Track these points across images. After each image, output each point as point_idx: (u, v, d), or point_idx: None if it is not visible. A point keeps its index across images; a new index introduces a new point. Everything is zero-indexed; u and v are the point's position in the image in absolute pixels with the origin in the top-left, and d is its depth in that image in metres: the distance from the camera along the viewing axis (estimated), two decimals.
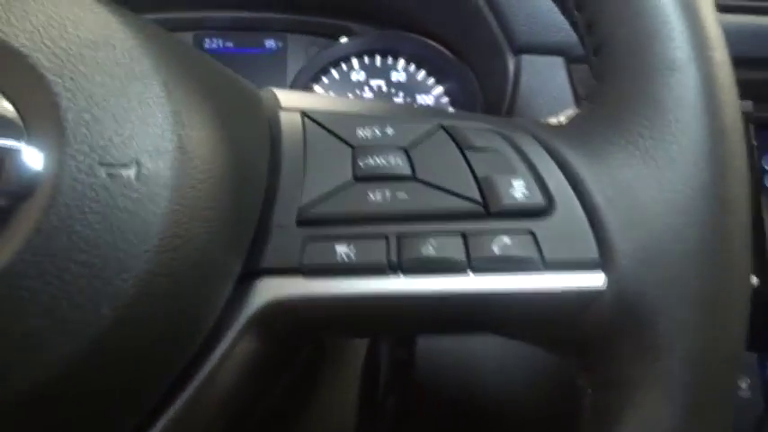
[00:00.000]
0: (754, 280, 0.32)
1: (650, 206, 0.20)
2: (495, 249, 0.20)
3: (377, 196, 0.22)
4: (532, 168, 0.22)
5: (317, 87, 0.59)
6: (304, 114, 0.23)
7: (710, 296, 0.19)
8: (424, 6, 0.56)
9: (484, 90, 0.56)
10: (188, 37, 0.59)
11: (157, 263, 0.18)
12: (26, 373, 0.17)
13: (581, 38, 0.24)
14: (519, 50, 0.49)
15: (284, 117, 0.24)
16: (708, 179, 0.20)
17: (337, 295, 0.21)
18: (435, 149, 0.22)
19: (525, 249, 0.20)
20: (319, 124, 0.23)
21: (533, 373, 0.41)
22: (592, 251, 0.20)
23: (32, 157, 0.18)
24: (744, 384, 0.43)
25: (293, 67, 0.59)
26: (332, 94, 0.59)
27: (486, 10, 0.49)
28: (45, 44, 0.19)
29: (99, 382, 0.18)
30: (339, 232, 0.21)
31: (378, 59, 0.60)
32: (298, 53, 0.60)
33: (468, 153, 0.22)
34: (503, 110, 0.50)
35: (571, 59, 0.49)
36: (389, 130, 0.23)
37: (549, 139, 0.22)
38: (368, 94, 0.59)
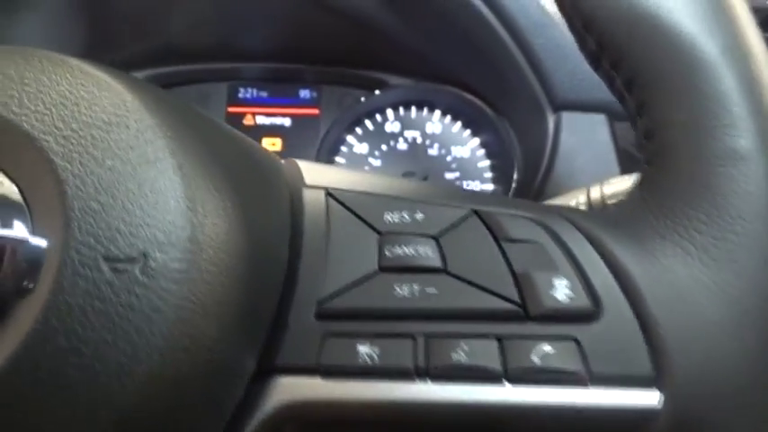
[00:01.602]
0: None
1: (710, 314, 0.18)
2: (535, 359, 0.18)
3: (404, 290, 0.20)
4: (576, 265, 0.19)
5: (350, 138, 0.58)
6: (328, 194, 0.22)
7: None
8: (461, 61, 0.54)
9: (522, 146, 0.54)
10: (222, 87, 0.59)
11: (162, 365, 0.16)
12: None
13: (632, 120, 0.22)
14: (559, 107, 0.48)
15: (308, 195, 0.22)
16: None
17: (357, 400, 0.19)
18: (468, 239, 0.21)
19: (569, 360, 0.18)
20: (345, 206, 0.22)
21: None
22: (645, 365, 0.18)
23: (35, 249, 0.17)
24: None
25: (327, 117, 0.59)
26: (365, 144, 0.58)
27: (525, 66, 0.48)
28: (56, 126, 0.18)
29: None
30: (362, 329, 0.19)
31: (413, 111, 0.59)
32: (332, 104, 0.59)
33: (504, 245, 0.20)
34: (542, 167, 0.48)
35: (614, 117, 0.47)
36: (419, 215, 0.21)
37: (593, 229, 0.20)
38: (402, 145, 0.58)
